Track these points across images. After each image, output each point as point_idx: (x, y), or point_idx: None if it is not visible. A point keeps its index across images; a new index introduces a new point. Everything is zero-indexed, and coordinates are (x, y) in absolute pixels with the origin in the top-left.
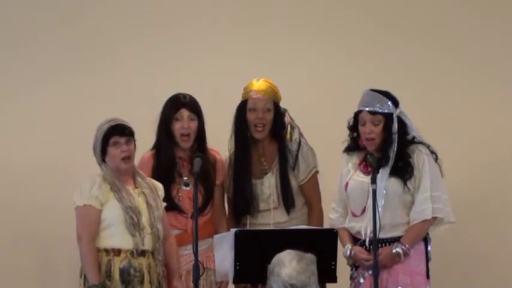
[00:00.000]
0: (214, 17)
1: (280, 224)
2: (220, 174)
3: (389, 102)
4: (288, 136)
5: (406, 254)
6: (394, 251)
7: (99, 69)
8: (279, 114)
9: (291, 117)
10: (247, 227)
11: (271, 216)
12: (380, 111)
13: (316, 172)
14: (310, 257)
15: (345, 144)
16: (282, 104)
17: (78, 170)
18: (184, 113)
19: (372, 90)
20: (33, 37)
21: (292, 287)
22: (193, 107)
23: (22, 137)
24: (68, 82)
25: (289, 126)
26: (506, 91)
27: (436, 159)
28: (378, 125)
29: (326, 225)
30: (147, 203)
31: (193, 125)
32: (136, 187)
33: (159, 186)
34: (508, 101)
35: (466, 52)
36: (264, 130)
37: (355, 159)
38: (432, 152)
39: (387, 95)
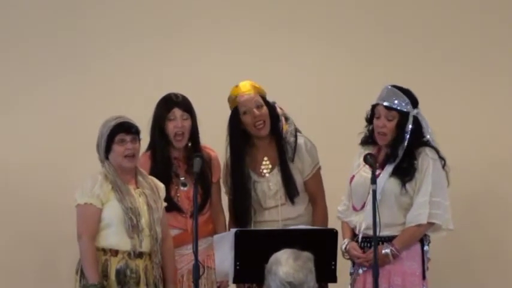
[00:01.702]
0: (214, 17)
1: (290, 220)
2: (216, 172)
3: (408, 101)
4: (285, 128)
5: (395, 255)
6: (383, 251)
7: (99, 69)
8: (270, 107)
9: (281, 109)
10: (253, 225)
11: (279, 213)
12: (396, 107)
13: (320, 168)
14: (307, 255)
15: (361, 137)
16: (273, 100)
17: (78, 170)
18: (177, 112)
19: (393, 86)
20: (33, 37)
21: (290, 285)
22: (186, 106)
23: (22, 137)
24: (68, 82)
25: (283, 118)
26: (506, 91)
27: (444, 165)
28: (392, 121)
29: (330, 221)
30: (148, 205)
31: (187, 124)
32: (137, 187)
33: (161, 186)
34: (508, 101)
35: (467, 52)
36: (265, 126)
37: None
38: (441, 158)
39: (407, 93)
